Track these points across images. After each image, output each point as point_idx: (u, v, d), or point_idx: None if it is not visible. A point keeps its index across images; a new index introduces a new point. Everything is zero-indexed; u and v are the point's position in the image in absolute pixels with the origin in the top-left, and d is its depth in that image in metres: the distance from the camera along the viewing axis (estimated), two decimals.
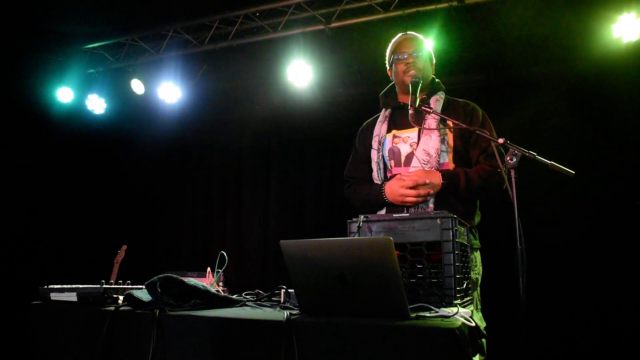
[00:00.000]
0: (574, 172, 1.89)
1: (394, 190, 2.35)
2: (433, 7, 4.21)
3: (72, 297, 1.83)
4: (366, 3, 4.44)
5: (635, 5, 3.85)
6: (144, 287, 1.76)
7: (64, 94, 5.51)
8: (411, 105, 2.34)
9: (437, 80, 2.65)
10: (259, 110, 5.57)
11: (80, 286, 1.87)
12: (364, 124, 2.77)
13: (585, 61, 4.20)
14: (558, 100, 4.33)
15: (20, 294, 3.63)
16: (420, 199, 2.30)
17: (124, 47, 5.41)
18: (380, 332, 1.31)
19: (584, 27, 4.10)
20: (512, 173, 1.92)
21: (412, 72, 2.47)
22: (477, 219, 2.49)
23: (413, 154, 2.43)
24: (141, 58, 5.39)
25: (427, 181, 2.28)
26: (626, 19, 3.88)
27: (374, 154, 2.57)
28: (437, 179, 2.30)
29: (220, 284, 2.27)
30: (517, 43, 4.34)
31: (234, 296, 2.06)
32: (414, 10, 4.27)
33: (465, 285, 1.84)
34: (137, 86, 5.41)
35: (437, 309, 1.51)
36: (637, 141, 4.05)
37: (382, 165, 2.54)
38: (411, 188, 2.29)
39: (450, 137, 2.43)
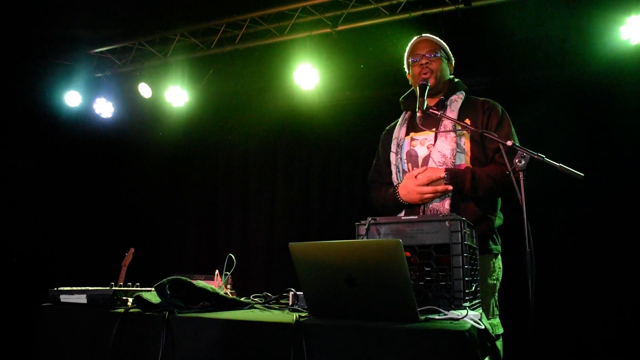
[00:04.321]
0: (582, 175, 1.88)
1: (409, 189, 2.33)
2: (439, 9, 4.22)
3: (82, 299, 1.84)
4: (372, 6, 4.45)
5: None
6: (153, 289, 1.76)
7: (71, 98, 5.55)
8: (419, 108, 2.35)
9: (457, 80, 2.63)
10: (263, 115, 5.57)
11: (90, 288, 1.88)
12: (387, 127, 2.76)
13: (593, 63, 4.17)
14: (565, 103, 4.31)
15: (28, 296, 3.65)
16: (437, 195, 2.28)
17: (131, 51, 5.44)
18: (390, 334, 1.31)
19: (592, 29, 4.08)
20: (521, 175, 1.92)
21: (425, 75, 2.46)
22: (498, 221, 2.44)
23: (429, 156, 2.41)
24: (148, 62, 5.42)
25: (442, 174, 2.26)
26: (634, 20, 3.86)
27: (392, 157, 2.56)
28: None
29: (229, 286, 2.27)
30: (524, 45, 4.32)
31: (242, 299, 2.06)
32: (420, 13, 4.28)
33: (474, 287, 1.83)
34: (144, 90, 5.43)
35: (446, 312, 1.50)
36: None
37: (400, 168, 2.53)
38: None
39: (466, 138, 2.40)
